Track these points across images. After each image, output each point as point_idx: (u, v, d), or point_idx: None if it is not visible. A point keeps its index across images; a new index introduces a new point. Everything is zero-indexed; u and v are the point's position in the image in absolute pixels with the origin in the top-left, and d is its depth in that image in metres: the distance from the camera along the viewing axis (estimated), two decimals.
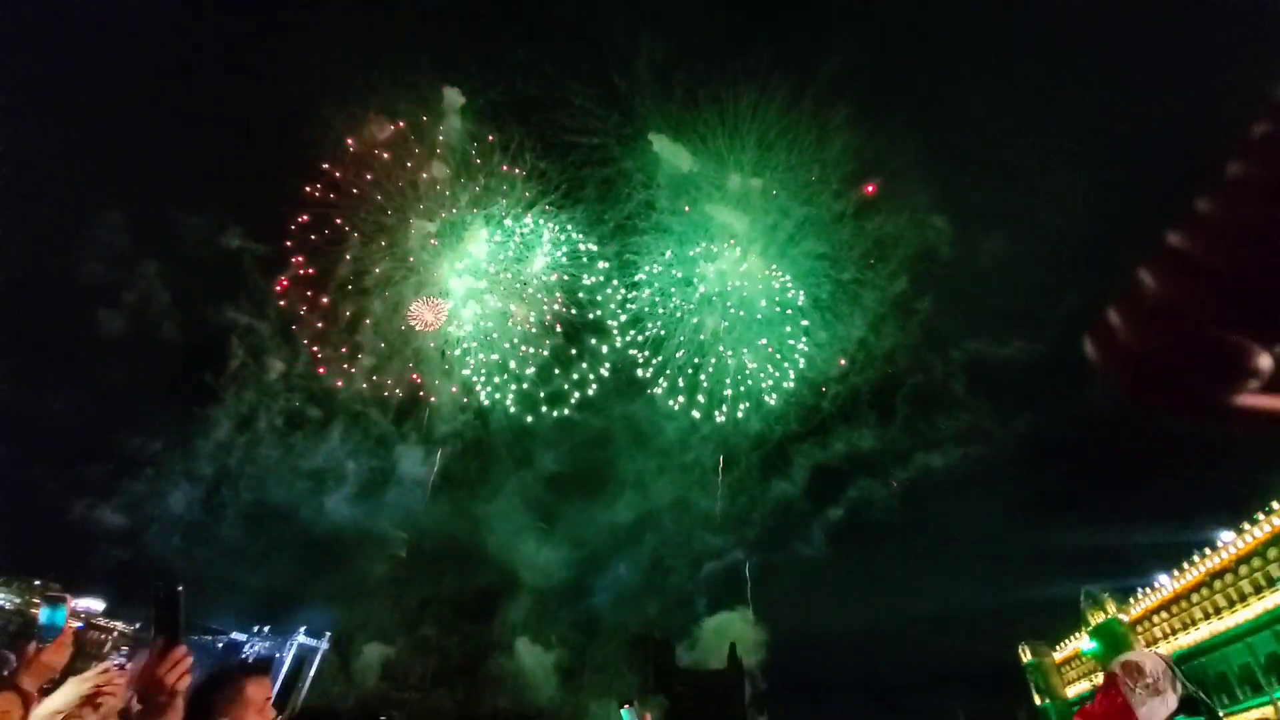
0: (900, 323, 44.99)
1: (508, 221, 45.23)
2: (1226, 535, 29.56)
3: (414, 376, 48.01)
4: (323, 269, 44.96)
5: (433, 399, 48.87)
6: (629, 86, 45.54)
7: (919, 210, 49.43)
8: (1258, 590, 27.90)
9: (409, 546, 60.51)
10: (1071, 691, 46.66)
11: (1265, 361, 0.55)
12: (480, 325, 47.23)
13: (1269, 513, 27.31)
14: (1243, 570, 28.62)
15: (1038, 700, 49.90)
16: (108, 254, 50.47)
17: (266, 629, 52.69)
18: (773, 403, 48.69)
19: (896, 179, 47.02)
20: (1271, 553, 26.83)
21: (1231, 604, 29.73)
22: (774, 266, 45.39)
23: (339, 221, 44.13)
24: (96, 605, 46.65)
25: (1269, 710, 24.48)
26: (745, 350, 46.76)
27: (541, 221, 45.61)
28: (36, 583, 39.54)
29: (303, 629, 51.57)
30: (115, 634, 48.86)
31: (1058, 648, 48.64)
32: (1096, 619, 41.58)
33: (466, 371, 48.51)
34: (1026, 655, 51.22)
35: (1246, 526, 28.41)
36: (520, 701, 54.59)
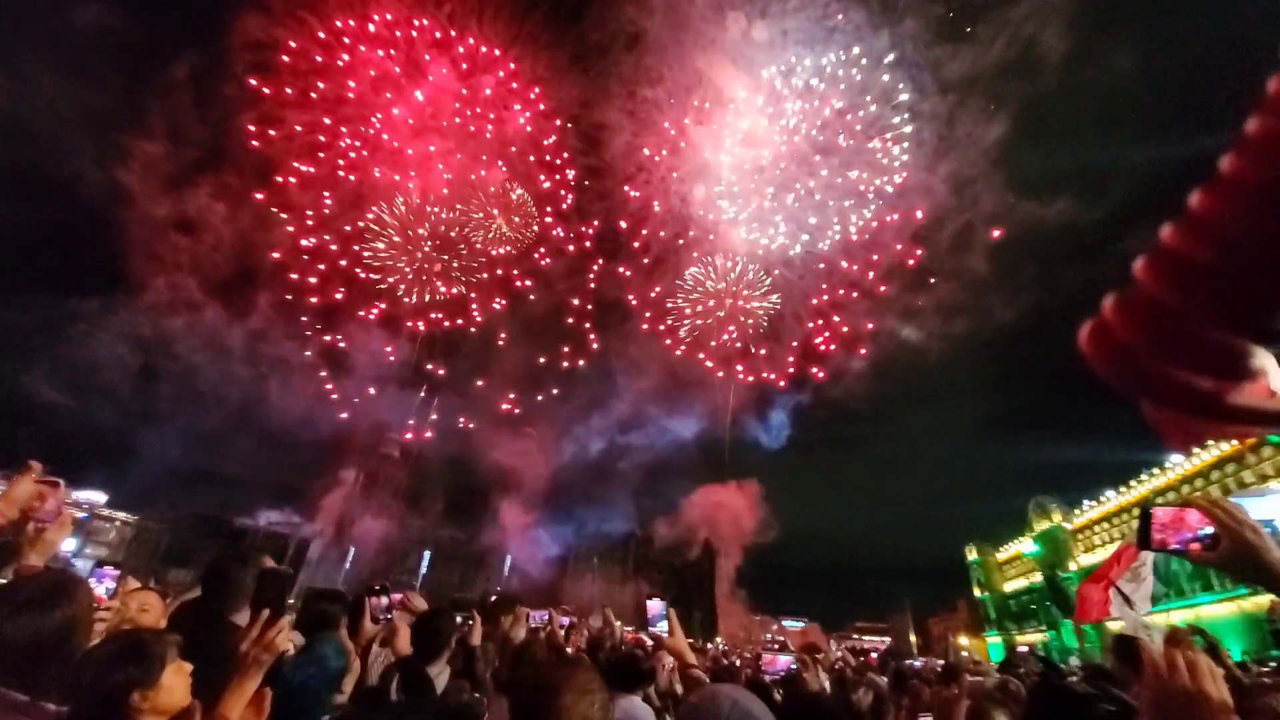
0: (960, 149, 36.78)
1: None
2: (1176, 457, 31.53)
3: None
4: None
5: None
6: None
7: None
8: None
9: (400, 447, 62.46)
10: (1008, 587, 51.89)
11: (1262, 361, 0.54)
12: None
13: (1205, 444, 29.33)
14: (1185, 489, 30.92)
15: (977, 592, 55.54)
16: None
17: (275, 514, 54.60)
18: None
19: None
20: (1214, 474, 28.90)
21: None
22: None
23: None
24: (99, 497, 48.29)
25: (1190, 614, 27.32)
26: None
27: None
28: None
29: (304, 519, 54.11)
30: (118, 523, 51.03)
31: (1001, 549, 53.40)
32: (1042, 526, 45.35)
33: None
34: (972, 554, 56.33)
35: (1195, 450, 30.30)
36: (508, 584, 59.70)
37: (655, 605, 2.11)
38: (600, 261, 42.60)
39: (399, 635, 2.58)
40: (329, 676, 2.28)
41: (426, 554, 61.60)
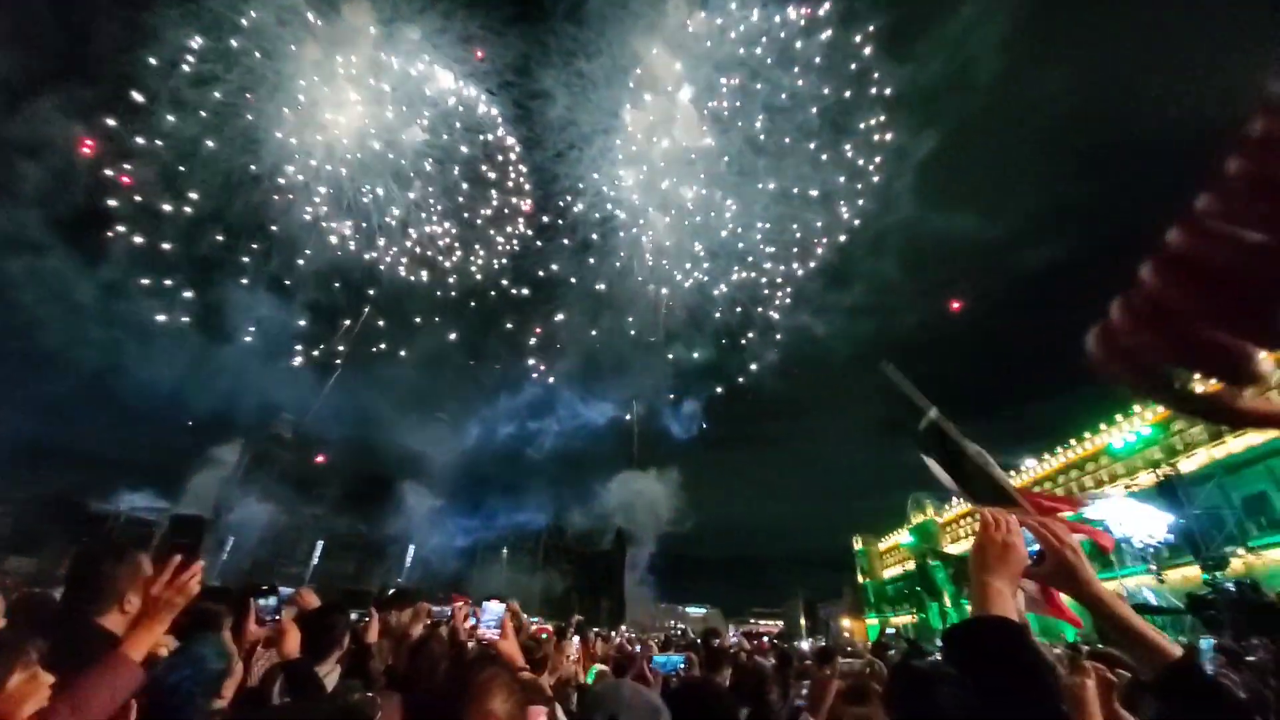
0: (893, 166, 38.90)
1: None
2: (1030, 461, 36.31)
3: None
4: None
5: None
6: None
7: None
8: None
9: (294, 427, 57.72)
10: (887, 574, 57.29)
11: (1264, 364, 0.54)
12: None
13: (1055, 452, 34.38)
14: (1035, 490, 35.77)
15: (860, 579, 60.86)
16: None
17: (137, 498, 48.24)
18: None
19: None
20: (1060, 479, 33.77)
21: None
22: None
23: None
24: None
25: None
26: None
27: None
28: None
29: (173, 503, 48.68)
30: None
31: (882, 540, 58.86)
32: (917, 519, 50.47)
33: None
34: (858, 544, 61.63)
35: (1046, 456, 35.17)
36: (410, 576, 57.08)
37: (491, 607, 2.00)
38: (519, 232, 41.02)
39: (287, 637, 2.48)
40: (206, 679, 2.17)
41: (320, 544, 57.45)
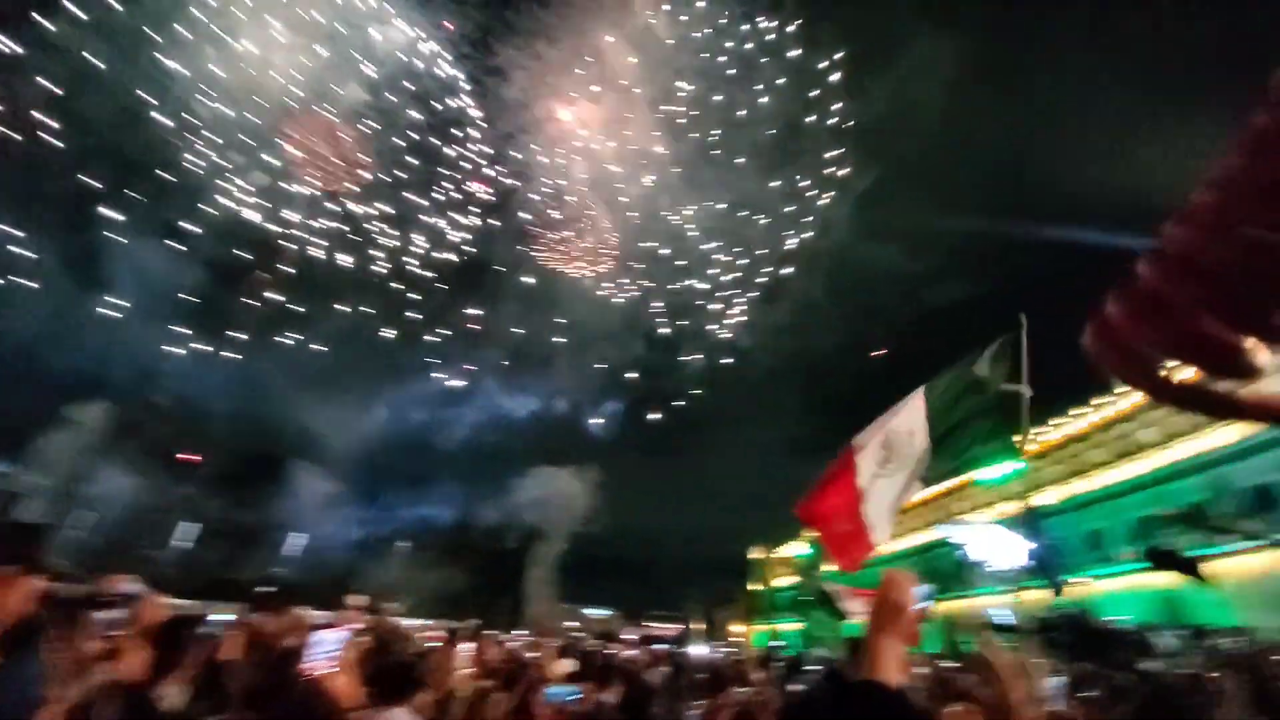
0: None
1: None
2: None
3: None
4: None
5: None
6: None
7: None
8: (917, 529, 38.78)
9: (171, 396, 51.82)
10: (777, 583, 60.61)
11: (1262, 357, 0.54)
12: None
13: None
14: (911, 512, 39.05)
15: (756, 586, 63.95)
16: None
17: None
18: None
19: None
20: (942, 501, 37.01)
21: (898, 535, 41.07)
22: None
23: None
24: None
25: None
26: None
27: None
28: None
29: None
30: None
31: (776, 550, 62.33)
32: (813, 535, 53.75)
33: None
34: (755, 554, 64.84)
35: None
36: (291, 567, 52.75)
37: (325, 637, 1.56)
38: (456, 208, 39.21)
39: (127, 655, 2.19)
40: (26, 706, 1.86)
41: (186, 526, 51.63)
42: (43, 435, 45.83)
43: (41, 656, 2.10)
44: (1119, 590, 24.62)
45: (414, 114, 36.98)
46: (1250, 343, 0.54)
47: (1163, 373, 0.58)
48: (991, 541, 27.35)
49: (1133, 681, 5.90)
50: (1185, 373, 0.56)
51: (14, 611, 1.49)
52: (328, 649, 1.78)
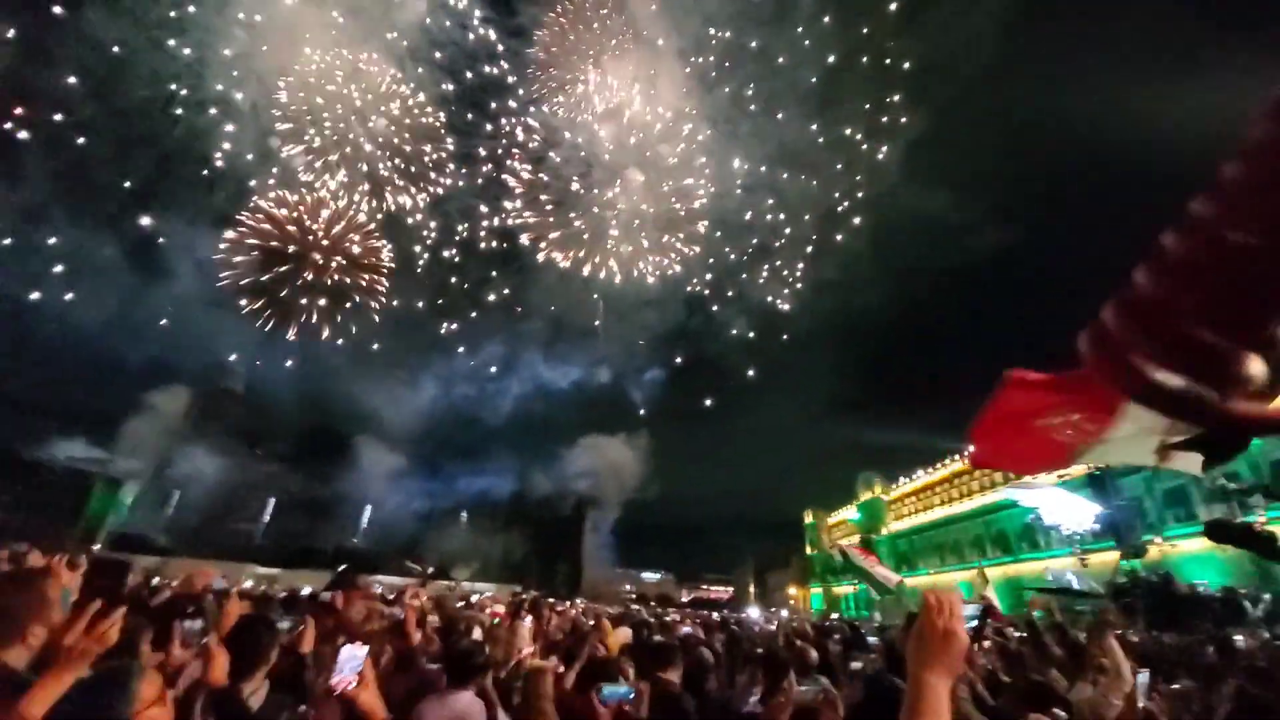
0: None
1: None
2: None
3: None
4: None
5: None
6: None
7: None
8: (982, 489, 37.53)
9: (243, 380, 55.49)
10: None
11: (1256, 367, 0.55)
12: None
13: None
14: (976, 473, 37.74)
15: (808, 550, 63.72)
16: None
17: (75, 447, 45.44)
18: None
19: None
20: (965, 476, 35.82)
21: (961, 497, 39.83)
22: None
23: None
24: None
25: (973, 573, 33.23)
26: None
27: None
28: None
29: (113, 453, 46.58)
30: None
31: (831, 515, 61.55)
32: (865, 496, 52.83)
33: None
34: (809, 517, 64.30)
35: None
36: (366, 537, 56.61)
37: (349, 652, 1.53)
38: (490, 178, 38.77)
39: (215, 662, 2.33)
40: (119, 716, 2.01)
41: (271, 501, 56.12)
42: (128, 422, 50.28)
43: (138, 664, 2.27)
44: (1201, 551, 23.09)
45: (446, 85, 36.77)
46: (1245, 353, 0.55)
47: (1156, 379, 0.58)
48: (1059, 503, 26.18)
49: (1220, 664, 5.49)
50: (1178, 380, 0.57)
51: (104, 648, 1.59)
52: (352, 664, 1.82)
